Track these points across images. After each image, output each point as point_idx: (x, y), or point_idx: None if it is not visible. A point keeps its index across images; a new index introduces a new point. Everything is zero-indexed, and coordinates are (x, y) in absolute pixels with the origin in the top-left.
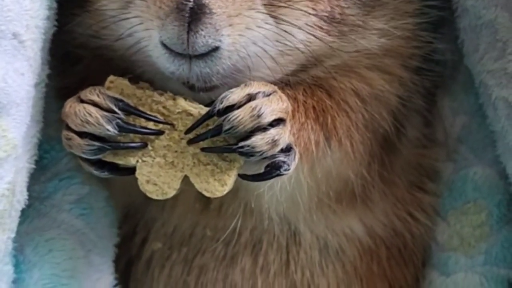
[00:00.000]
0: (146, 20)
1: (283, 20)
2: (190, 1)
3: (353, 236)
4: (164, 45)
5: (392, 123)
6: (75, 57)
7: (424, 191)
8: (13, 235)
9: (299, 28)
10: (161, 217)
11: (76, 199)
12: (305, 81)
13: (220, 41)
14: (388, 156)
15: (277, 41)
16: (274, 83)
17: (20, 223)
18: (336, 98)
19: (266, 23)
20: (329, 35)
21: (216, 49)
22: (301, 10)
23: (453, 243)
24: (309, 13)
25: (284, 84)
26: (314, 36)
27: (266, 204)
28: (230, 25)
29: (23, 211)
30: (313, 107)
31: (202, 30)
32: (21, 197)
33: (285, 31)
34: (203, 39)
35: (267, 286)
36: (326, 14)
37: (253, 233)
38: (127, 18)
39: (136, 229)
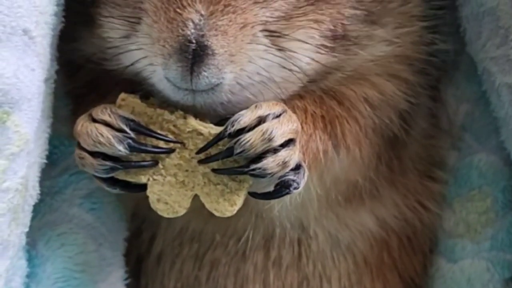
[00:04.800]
0: (150, 56)
1: (285, 47)
2: (193, 43)
3: (365, 229)
4: (168, 79)
5: (400, 124)
6: (79, 63)
7: (433, 180)
8: (26, 229)
9: (303, 53)
10: (166, 219)
11: (86, 193)
12: (316, 91)
13: (222, 78)
14: (397, 152)
15: (282, 67)
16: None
17: (32, 218)
18: (346, 105)
19: (269, 53)
20: (333, 52)
21: (218, 84)
22: (303, 41)
23: (459, 230)
24: (314, 35)
25: (295, 95)
26: (318, 56)
27: (277, 213)
28: (232, 61)
29: (34, 206)
30: (322, 117)
31: (205, 71)
32: (33, 192)
33: (289, 57)
34: (206, 79)
35: (279, 279)
36: (330, 33)
37: (264, 232)
38: (131, 50)
39: (142, 227)
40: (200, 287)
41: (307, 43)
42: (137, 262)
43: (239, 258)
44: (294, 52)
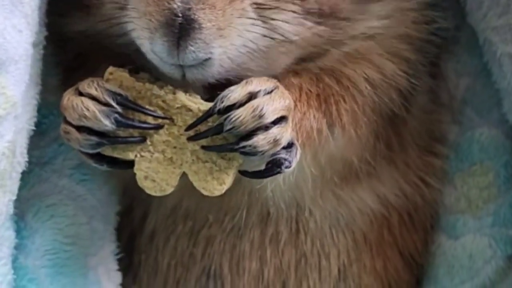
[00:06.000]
0: (138, 29)
1: (271, 18)
2: (179, 16)
3: (364, 207)
4: (154, 53)
5: (401, 102)
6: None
7: (434, 155)
8: (14, 197)
9: (286, 21)
10: (157, 198)
11: (76, 164)
12: (313, 70)
13: (211, 53)
14: (396, 129)
15: (265, 36)
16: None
17: (20, 189)
18: (345, 84)
19: (255, 25)
20: (319, 25)
21: (207, 59)
22: (289, 10)
23: (461, 205)
24: (297, 12)
25: (291, 72)
26: (302, 25)
27: (270, 193)
28: (221, 36)
29: (23, 177)
30: (317, 95)
31: (191, 45)
32: (21, 159)
33: (273, 26)
34: (193, 54)
35: (276, 256)
36: (315, 11)
37: (259, 211)
38: (120, 23)
39: (133, 205)
40: (195, 264)
41: (289, 15)
42: (129, 239)
43: (235, 234)
44: (277, 20)
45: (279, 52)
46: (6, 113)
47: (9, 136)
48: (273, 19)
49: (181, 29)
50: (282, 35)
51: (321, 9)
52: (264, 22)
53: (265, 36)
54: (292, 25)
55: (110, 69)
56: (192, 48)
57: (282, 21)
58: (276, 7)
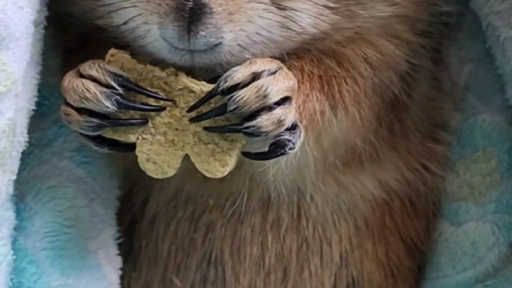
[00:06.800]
0: (146, 14)
1: (286, 6)
2: (190, 1)
3: (366, 193)
4: (165, 39)
5: (401, 86)
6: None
7: (436, 141)
8: (14, 177)
9: (305, 12)
10: (159, 182)
11: (76, 146)
12: (313, 51)
13: (221, 37)
14: (399, 115)
15: (282, 27)
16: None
17: (20, 171)
18: (345, 65)
19: (269, 12)
20: (337, 13)
21: (218, 44)
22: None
23: (463, 192)
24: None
25: (291, 54)
26: (321, 17)
27: (272, 177)
28: (231, 21)
29: (22, 159)
30: (319, 77)
31: (202, 30)
32: (21, 138)
33: (290, 17)
34: (204, 39)
35: (277, 241)
36: None
37: (260, 196)
38: (124, 8)
39: (133, 190)
40: (196, 250)
41: (308, 2)
42: (130, 224)
43: (236, 220)
44: (295, 10)
45: (293, 42)
46: (7, 90)
47: (9, 113)
48: (288, 6)
49: (191, 14)
50: (301, 26)
51: None
52: (279, 9)
53: (281, 26)
54: (311, 16)
55: (112, 51)
56: (203, 33)
57: (299, 10)
58: None
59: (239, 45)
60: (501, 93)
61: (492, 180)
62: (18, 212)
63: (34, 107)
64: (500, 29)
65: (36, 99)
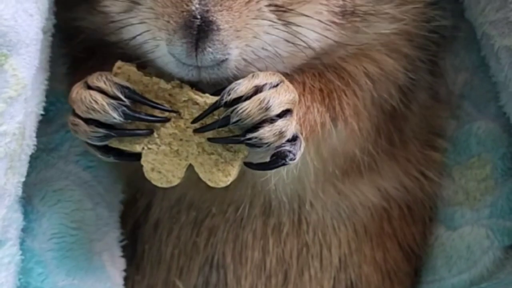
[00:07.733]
0: (154, 30)
1: (292, 22)
2: (197, 18)
3: (365, 200)
4: (173, 55)
5: (400, 98)
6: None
7: (434, 149)
8: (22, 179)
9: (311, 29)
10: (161, 189)
11: (83, 151)
12: (316, 66)
13: (228, 54)
14: (398, 125)
15: (288, 42)
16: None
17: (28, 175)
18: (346, 79)
19: (275, 28)
20: (343, 29)
21: (224, 60)
22: (310, 16)
23: (459, 198)
24: (322, 11)
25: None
26: (327, 33)
27: (273, 186)
28: (238, 37)
29: (30, 163)
30: (320, 90)
31: (210, 47)
32: (30, 141)
33: (296, 33)
34: (211, 55)
35: (278, 246)
36: (339, 9)
37: (261, 204)
38: (132, 24)
39: (136, 196)
40: (198, 253)
41: (314, 18)
42: (133, 228)
43: (238, 224)
44: (300, 26)
45: (298, 58)
46: (17, 94)
47: (19, 117)
48: (294, 23)
49: (199, 31)
50: (306, 42)
51: (344, 5)
52: (285, 25)
53: (287, 42)
54: (317, 32)
55: (118, 63)
56: (210, 50)
57: (305, 27)
58: (294, 8)
59: (245, 60)
60: (496, 101)
61: (487, 185)
62: (25, 214)
63: (42, 112)
64: (495, 38)
65: (44, 103)
